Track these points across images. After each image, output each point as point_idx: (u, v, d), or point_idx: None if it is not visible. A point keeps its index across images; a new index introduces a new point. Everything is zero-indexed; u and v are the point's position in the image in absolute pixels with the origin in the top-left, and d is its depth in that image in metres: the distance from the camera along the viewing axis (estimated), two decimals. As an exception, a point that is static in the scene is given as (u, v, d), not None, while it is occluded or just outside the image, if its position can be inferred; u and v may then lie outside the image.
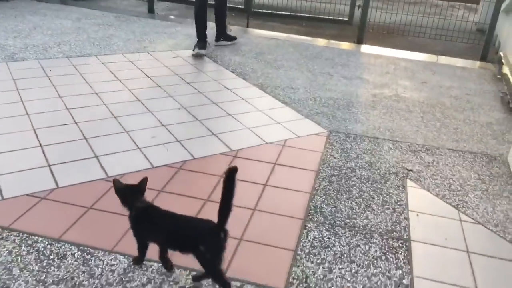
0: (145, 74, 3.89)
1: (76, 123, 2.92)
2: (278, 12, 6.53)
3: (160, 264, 1.81)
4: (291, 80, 4.04)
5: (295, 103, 3.53)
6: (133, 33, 5.13)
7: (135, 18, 5.89)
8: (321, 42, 5.58)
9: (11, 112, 3.01)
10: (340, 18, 6.28)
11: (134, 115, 3.11)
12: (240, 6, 6.42)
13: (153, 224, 1.73)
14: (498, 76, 4.54)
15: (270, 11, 6.55)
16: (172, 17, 6.38)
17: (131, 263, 1.84)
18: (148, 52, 4.52)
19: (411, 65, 4.81)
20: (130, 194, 1.73)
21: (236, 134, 2.95)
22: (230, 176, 1.56)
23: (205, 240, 1.63)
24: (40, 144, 2.63)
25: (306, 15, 6.64)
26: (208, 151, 2.72)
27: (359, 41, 5.74)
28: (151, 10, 6.58)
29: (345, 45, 5.50)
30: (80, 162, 2.50)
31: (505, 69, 4.41)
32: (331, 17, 6.41)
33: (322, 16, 6.48)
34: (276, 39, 5.44)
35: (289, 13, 6.65)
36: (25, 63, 3.92)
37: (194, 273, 1.79)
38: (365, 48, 5.46)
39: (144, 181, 1.73)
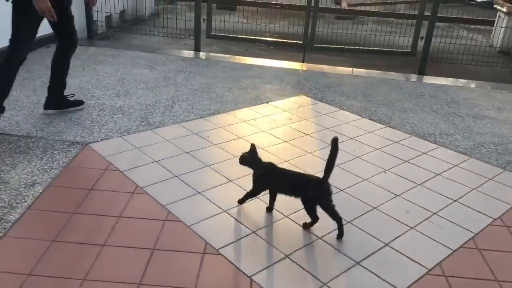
0: (300, 132, 3.79)
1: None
2: (337, 46, 6.62)
3: None
4: (434, 126, 4.08)
5: (478, 154, 3.57)
6: (222, 79, 4.95)
7: (196, 59, 5.68)
8: (396, 76, 5.73)
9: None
10: (401, 50, 6.50)
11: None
12: (298, 41, 6.45)
13: (276, 177, 2.55)
14: None
15: (330, 45, 6.61)
16: (226, 56, 6.22)
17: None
18: (268, 102, 4.40)
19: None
20: (253, 159, 2.57)
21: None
22: (335, 144, 2.34)
23: (312, 187, 2.40)
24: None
25: (363, 47, 6.77)
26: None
27: (421, 72, 6.01)
28: (197, 47, 6.37)
29: (413, 77, 5.73)
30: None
31: None
32: (394, 49, 6.59)
33: (382, 49, 6.64)
34: (359, 76, 5.52)
35: (344, 47, 6.74)
36: (171, 129, 3.65)
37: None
38: (438, 80, 5.69)
39: (253, 146, 2.56)
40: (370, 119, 4.15)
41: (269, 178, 2.57)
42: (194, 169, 3.07)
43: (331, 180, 2.38)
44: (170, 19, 6.69)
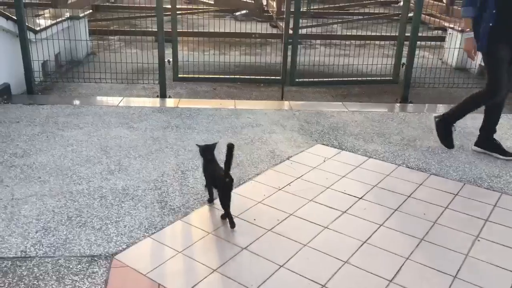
0: (350, 196, 3.28)
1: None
2: (320, 80, 6.19)
3: None
4: (475, 167, 3.79)
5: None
6: (219, 132, 4.28)
7: (174, 109, 4.95)
8: (390, 107, 5.47)
9: None
10: (384, 78, 6.26)
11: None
12: (274, 77, 5.94)
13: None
14: None
15: (313, 80, 6.16)
16: (219, 103, 5.54)
17: None
18: (289, 159, 3.83)
19: None
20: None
21: None
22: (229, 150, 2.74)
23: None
24: None
25: (347, 79, 6.40)
26: None
27: (404, 99, 5.83)
28: (163, 93, 5.62)
29: (406, 107, 5.51)
30: None
31: None
32: (375, 78, 6.32)
33: (366, 78, 6.34)
34: (356, 112, 5.12)
35: (326, 79, 6.31)
36: (202, 215, 2.93)
37: None
38: (429, 108, 5.52)
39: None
40: (407, 167, 3.76)
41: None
42: (269, 275, 2.40)
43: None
44: (109, 62, 5.80)
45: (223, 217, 2.91)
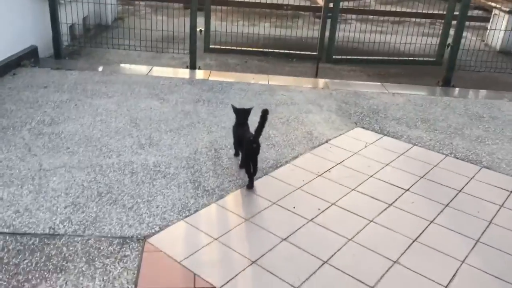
0: (395, 187, 3.05)
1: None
2: (358, 58, 5.85)
3: None
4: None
5: None
6: (253, 110, 4.05)
7: (206, 82, 4.72)
8: (432, 91, 5.13)
9: None
10: (427, 59, 5.87)
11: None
12: (310, 52, 5.63)
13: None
14: None
15: (351, 57, 5.82)
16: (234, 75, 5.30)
17: None
18: (328, 142, 3.60)
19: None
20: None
21: None
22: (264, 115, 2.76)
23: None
24: None
25: (388, 58, 6.00)
26: None
27: (446, 82, 5.48)
28: (193, 65, 5.38)
29: (450, 91, 5.17)
30: None
31: None
32: (418, 58, 5.92)
33: (407, 58, 5.92)
34: (397, 94, 4.82)
35: (365, 58, 5.94)
36: (236, 199, 2.75)
37: None
38: (475, 93, 5.18)
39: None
40: (456, 157, 3.50)
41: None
42: (312, 272, 2.22)
43: None
44: (138, 29, 5.53)
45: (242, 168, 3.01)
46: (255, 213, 2.65)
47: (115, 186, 2.80)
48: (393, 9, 8.63)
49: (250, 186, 2.87)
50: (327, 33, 5.55)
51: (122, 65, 5.31)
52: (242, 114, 3.06)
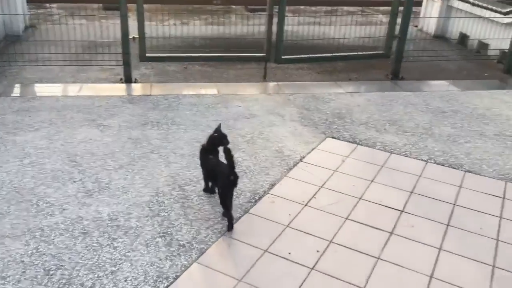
0: (389, 208, 2.75)
1: None
2: (307, 56, 5.47)
3: None
4: (504, 157, 3.39)
5: None
6: (209, 127, 3.58)
7: (146, 98, 4.15)
8: (383, 85, 4.94)
9: None
10: (376, 52, 5.65)
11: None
12: (259, 54, 5.18)
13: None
14: None
15: (298, 56, 5.42)
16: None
17: None
18: (302, 160, 3.22)
19: None
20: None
21: None
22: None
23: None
24: None
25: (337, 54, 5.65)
26: None
27: (395, 75, 5.34)
28: (128, 78, 4.76)
29: (402, 84, 5.02)
30: None
31: None
32: (366, 53, 5.69)
33: (357, 53, 5.67)
34: (354, 94, 4.56)
35: (314, 55, 5.59)
36: (221, 252, 2.31)
37: None
38: (424, 84, 5.08)
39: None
40: (436, 163, 3.28)
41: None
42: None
43: None
44: (58, 39, 4.77)
45: (224, 215, 2.55)
46: (247, 269, 2.22)
47: (66, 257, 2.23)
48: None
49: (230, 227, 2.45)
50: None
51: (43, 85, 4.54)
52: (218, 140, 2.62)
